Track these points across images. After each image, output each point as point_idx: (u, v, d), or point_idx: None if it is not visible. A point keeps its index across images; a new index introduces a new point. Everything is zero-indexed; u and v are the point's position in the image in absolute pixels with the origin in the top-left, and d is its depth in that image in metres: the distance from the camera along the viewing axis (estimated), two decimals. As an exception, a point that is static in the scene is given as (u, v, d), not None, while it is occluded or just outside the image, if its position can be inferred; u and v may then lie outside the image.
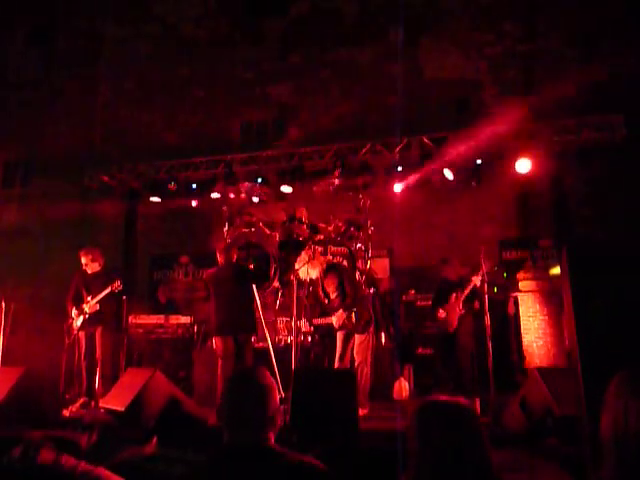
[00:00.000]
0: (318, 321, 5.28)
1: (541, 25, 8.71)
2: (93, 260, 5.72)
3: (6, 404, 4.32)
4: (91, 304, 5.52)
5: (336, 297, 5.09)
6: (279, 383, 5.25)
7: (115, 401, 4.21)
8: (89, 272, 5.72)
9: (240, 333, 5.23)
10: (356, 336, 4.99)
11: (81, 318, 5.55)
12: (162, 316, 7.06)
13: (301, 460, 1.57)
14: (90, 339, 5.64)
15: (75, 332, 5.59)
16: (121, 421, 4.15)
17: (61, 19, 10.91)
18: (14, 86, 10.65)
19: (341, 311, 4.98)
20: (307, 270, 5.23)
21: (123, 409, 4.00)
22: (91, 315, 5.53)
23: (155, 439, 3.76)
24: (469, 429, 1.43)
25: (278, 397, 1.74)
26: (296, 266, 5.38)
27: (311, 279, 5.32)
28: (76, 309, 5.60)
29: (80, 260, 5.75)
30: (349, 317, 4.94)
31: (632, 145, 6.82)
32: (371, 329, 5.02)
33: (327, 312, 5.21)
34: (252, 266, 5.77)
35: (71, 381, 6.04)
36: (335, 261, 5.81)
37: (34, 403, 4.53)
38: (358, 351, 4.93)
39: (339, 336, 5.11)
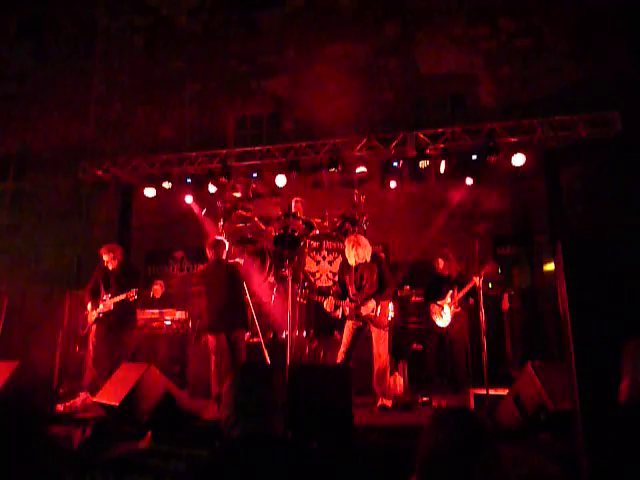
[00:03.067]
0: (341, 303, 5.03)
1: (537, 20, 8.70)
2: (114, 257, 5.78)
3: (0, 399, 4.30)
4: (107, 303, 5.59)
5: (370, 287, 4.92)
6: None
7: (109, 396, 4.20)
8: (110, 268, 5.78)
9: (232, 330, 5.23)
10: (375, 331, 4.89)
11: (95, 313, 5.63)
12: (157, 311, 7.06)
13: (313, 449, 1.58)
14: (102, 334, 5.64)
15: (89, 325, 5.66)
16: (115, 416, 4.15)
17: (54, 10, 10.80)
18: (6, 79, 10.55)
19: (373, 301, 4.85)
20: (359, 253, 4.91)
21: (117, 404, 3.99)
22: (104, 313, 5.61)
23: (149, 434, 3.76)
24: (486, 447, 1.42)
25: (284, 387, 1.75)
26: (347, 247, 5.06)
27: (358, 263, 4.99)
28: (92, 304, 5.68)
29: (102, 257, 5.80)
30: (375, 309, 4.84)
31: (627, 141, 6.84)
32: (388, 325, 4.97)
33: (343, 298, 5.04)
34: (242, 261, 5.74)
35: (65, 375, 6.03)
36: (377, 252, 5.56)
37: (28, 398, 4.51)
38: (378, 344, 4.84)
39: (349, 328, 4.97)
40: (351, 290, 5.01)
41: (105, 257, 5.78)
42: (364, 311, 4.87)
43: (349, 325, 5.00)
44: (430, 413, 1.53)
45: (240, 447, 1.57)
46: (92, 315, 5.63)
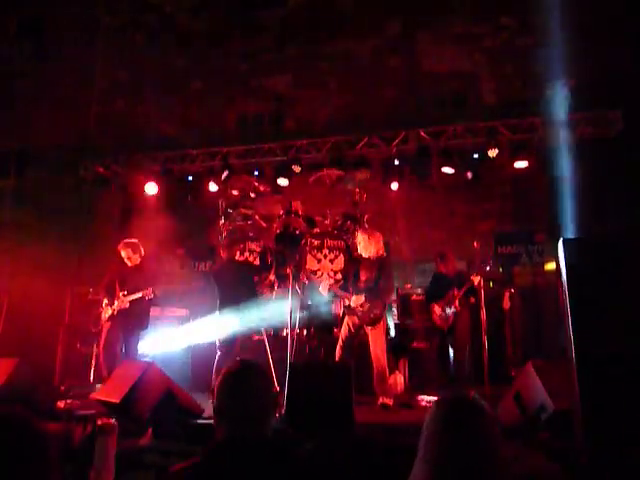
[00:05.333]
0: (336, 290, 5.17)
1: (539, 19, 8.68)
2: (134, 252, 5.62)
3: (0, 395, 4.31)
4: (122, 300, 5.42)
5: (365, 283, 5.02)
6: (274, 376, 5.28)
7: (110, 393, 4.20)
8: (129, 265, 5.62)
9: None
10: (368, 330, 4.95)
11: (109, 310, 5.46)
12: (158, 308, 7.05)
13: (299, 452, 1.57)
14: (115, 332, 5.50)
15: (102, 323, 5.51)
16: (116, 413, 4.15)
17: (54, 10, 10.78)
18: (7, 75, 10.55)
19: (363, 296, 4.93)
20: (365, 243, 5.08)
21: (118, 401, 3.99)
22: (119, 310, 5.45)
23: (150, 431, 3.77)
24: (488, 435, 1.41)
25: (273, 388, 1.75)
26: (358, 238, 5.24)
27: (361, 256, 5.17)
28: (108, 300, 5.51)
29: (119, 253, 5.63)
30: (362, 305, 4.91)
31: (628, 140, 6.83)
32: (382, 324, 4.98)
33: (344, 289, 5.14)
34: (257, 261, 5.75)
35: (67, 372, 6.03)
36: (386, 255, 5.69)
37: (28, 394, 4.51)
38: (374, 345, 4.90)
39: (346, 324, 5.04)
40: (349, 283, 5.12)
41: (123, 253, 5.61)
42: (352, 303, 4.96)
43: (347, 321, 5.07)
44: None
45: (223, 451, 1.57)
46: (106, 312, 5.46)
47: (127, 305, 5.41)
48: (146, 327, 5.78)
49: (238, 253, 5.60)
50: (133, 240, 5.79)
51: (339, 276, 6.24)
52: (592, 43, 8.12)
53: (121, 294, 5.46)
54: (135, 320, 5.51)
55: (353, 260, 5.28)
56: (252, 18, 9.82)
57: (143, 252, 5.73)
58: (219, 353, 5.20)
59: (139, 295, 5.37)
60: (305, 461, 1.58)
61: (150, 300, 5.47)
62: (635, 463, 1.87)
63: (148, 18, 10.30)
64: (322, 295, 5.33)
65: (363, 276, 5.06)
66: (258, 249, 6.76)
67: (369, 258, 5.10)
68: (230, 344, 5.23)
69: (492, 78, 8.74)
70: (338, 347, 5.02)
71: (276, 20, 9.74)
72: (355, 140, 7.39)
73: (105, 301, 5.52)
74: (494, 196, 8.19)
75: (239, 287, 5.32)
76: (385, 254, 5.39)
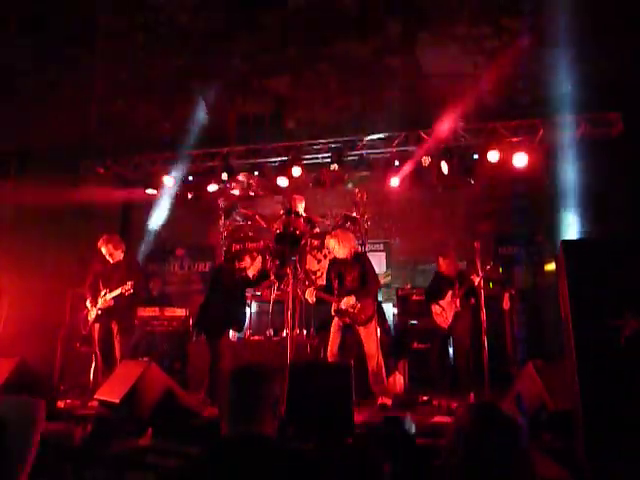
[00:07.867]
0: (322, 294, 5.14)
1: (539, 20, 8.68)
2: (115, 248, 5.47)
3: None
4: (105, 299, 5.30)
5: (351, 283, 5.02)
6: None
7: (110, 393, 4.20)
8: (111, 261, 5.48)
9: (227, 332, 5.35)
10: (360, 329, 4.96)
11: (94, 311, 5.34)
12: (157, 308, 7.05)
13: (299, 451, 1.58)
14: (105, 332, 5.41)
15: (90, 324, 5.38)
16: (116, 413, 4.15)
17: (54, 9, 10.79)
18: (7, 75, 10.55)
19: (353, 297, 4.93)
20: (337, 247, 5.07)
21: (118, 401, 3.99)
22: (104, 309, 5.32)
23: (150, 431, 3.77)
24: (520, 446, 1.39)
25: (278, 389, 1.76)
26: (330, 244, 5.18)
27: (335, 257, 5.17)
28: (91, 301, 5.38)
29: (99, 250, 5.48)
30: (354, 306, 4.91)
31: (629, 141, 6.83)
32: (373, 323, 5.00)
33: (329, 292, 5.12)
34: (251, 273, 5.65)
35: (67, 372, 6.02)
36: (362, 251, 5.63)
37: (28, 394, 4.51)
38: (367, 344, 4.92)
39: (334, 325, 5.05)
40: (334, 285, 5.11)
41: (104, 250, 5.46)
42: (343, 305, 4.96)
43: (335, 322, 5.08)
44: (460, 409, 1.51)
45: (223, 450, 1.57)
46: (92, 312, 5.36)
47: (111, 303, 5.28)
48: (131, 325, 5.62)
49: (225, 258, 5.63)
50: (113, 235, 5.63)
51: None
52: (592, 44, 8.13)
53: (102, 292, 5.33)
54: (119, 318, 5.37)
55: (333, 264, 5.25)
56: (252, 18, 9.82)
57: (124, 246, 5.58)
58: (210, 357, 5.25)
59: (118, 292, 5.21)
60: (304, 461, 1.59)
61: (130, 296, 5.28)
62: (635, 463, 1.87)
63: (148, 18, 10.31)
64: (309, 302, 5.30)
65: (348, 276, 5.07)
66: (258, 249, 6.76)
67: (347, 258, 5.10)
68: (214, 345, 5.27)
69: (492, 79, 8.73)
70: (329, 349, 5.04)
71: (277, 20, 9.75)
72: (355, 140, 7.39)
73: (88, 301, 5.38)
74: (494, 196, 8.19)
75: (228, 292, 5.35)
76: (360, 249, 5.39)
